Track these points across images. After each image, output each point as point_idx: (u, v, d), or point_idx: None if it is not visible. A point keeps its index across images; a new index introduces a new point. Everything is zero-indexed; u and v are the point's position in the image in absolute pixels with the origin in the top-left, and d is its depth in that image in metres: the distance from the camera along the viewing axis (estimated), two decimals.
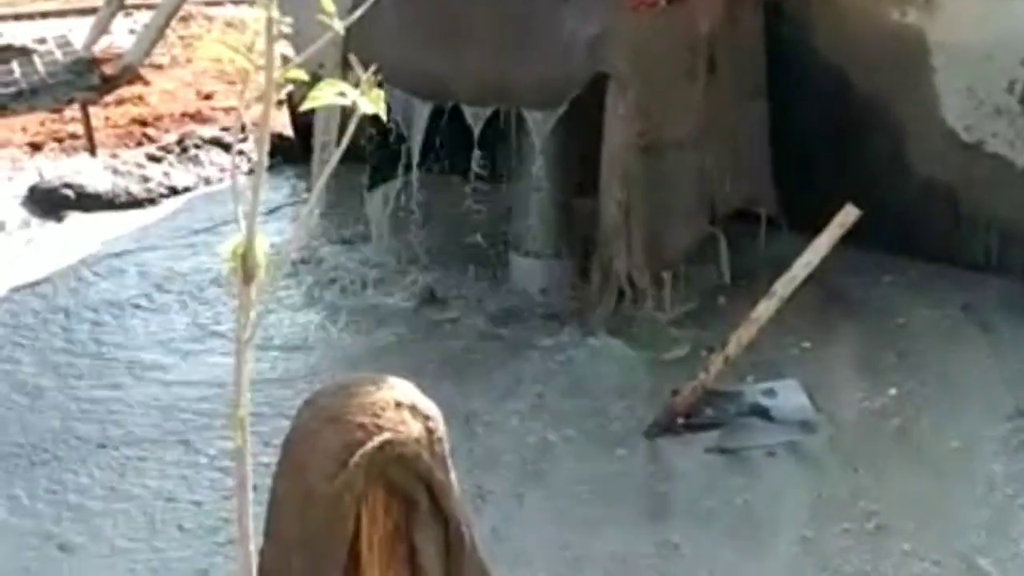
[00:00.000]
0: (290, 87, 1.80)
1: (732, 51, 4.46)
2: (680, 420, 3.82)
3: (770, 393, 3.93)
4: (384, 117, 1.74)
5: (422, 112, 4.44)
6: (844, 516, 3.47)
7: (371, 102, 1.73)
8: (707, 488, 3.59)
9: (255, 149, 5.32)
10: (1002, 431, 3.80)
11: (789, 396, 3.93)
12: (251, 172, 5.35)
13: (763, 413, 3.87)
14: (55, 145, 6.41)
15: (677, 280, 4.41)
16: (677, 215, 4.41)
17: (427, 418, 2.83)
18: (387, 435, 2.74)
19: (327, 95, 1.75)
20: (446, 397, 2.86)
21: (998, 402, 3.93)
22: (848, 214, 3.72)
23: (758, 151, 4.65)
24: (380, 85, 1.71)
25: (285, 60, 1.71)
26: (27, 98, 5.87)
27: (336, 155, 1.92)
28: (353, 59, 1.78)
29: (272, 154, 1.83)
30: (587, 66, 4.20)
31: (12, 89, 5.89)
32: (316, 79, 1.71)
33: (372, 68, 1.73)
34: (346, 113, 1.74)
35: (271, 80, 1.67)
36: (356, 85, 1.72)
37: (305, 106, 1.72)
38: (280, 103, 5.06)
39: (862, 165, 4.59)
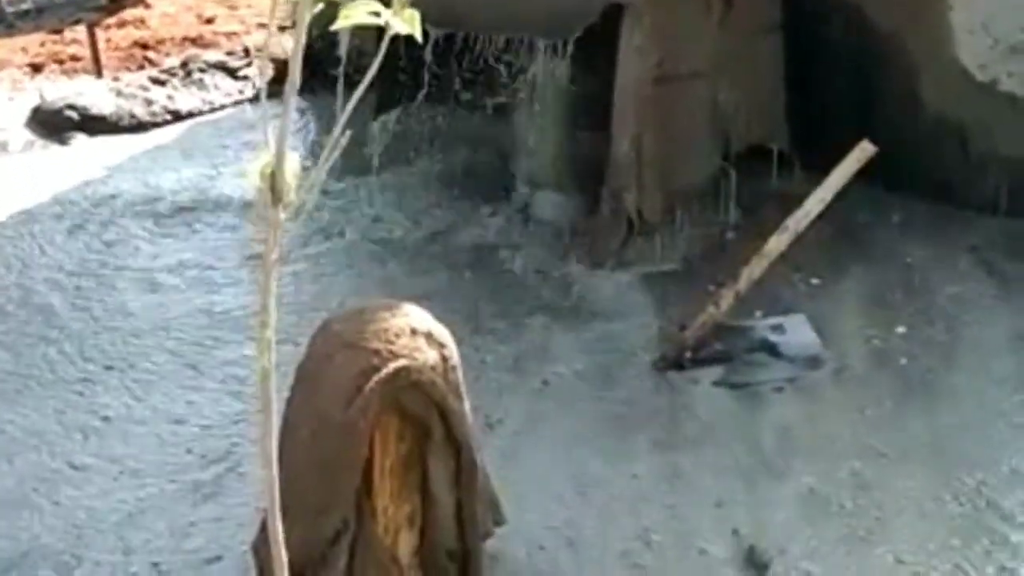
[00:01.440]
0: (319, 7, 1.77)
1: None
2: (689, 354, 3.82)
3: (779, 329, 3.93)
4: (420, 38, 1.72)
5: (432, 39, 4.39)
6: (850, 452, 3.48)
7: (406, 22, 1.70)
8: (715, 421, 3.60)
9: (259, 74, 5.29)
10: (1007, 369, 3.81)
11: (797, 332, 3.93)
12: (255, 98, 5.33)
13: (771, 349, 3.87)
14: (55, 66, 6.35)
15: (688, 214, 4.39)
16: (690, 149, 4.38)
17: (442, 345, 2.83)
18: (402, 361, 2.74)
19: (359, 14, 1.72)
20: (450, 326, 2.85)
21: (1004, 342, 3.93)
22: (864, 150, 3.70)
23: (772, 86, 4.62)
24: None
25: None
26: (33, 17, 5.81)
27: (368, 79, 1.89)
28: None
29: (276, 80, 1.80)
30: None
31: (20, 7, 5.83)
32: (335, 4, 1.69)
33: None
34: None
35: None
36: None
37: (336, 26, 1.69)
38: (283, 28, 5.00)
39: (875, 102, 4.56)
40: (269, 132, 1.69)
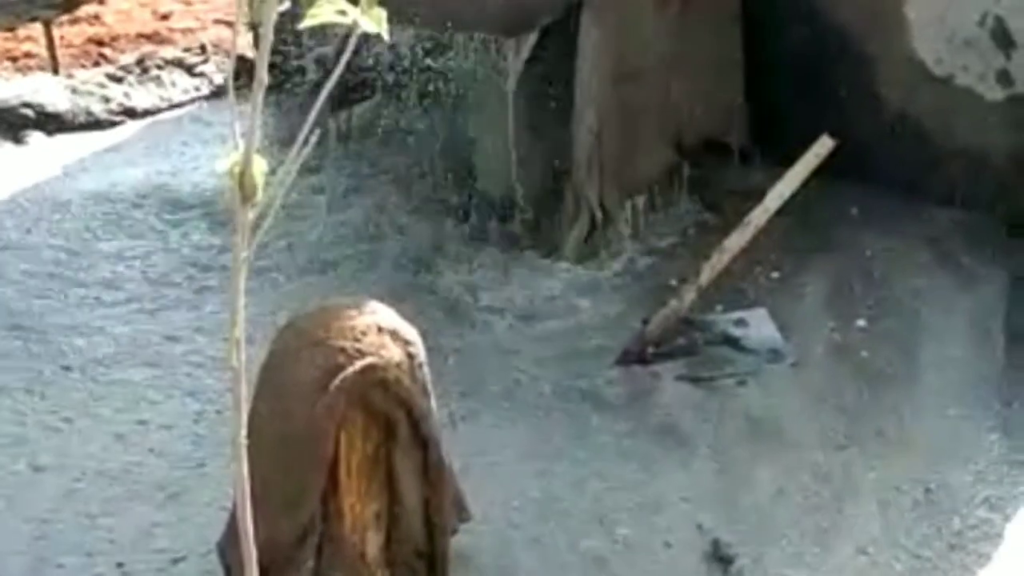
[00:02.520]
0: (285, 4, 1.76)
1: None
2: (651, 349, 3.83)
3: (740, 323, 3.95)
4: (387, 37, 1.72)
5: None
6: (812, 445, 3.52)
7: (372, 21, 1.70)
8: (678, 415, 3.62)
9: (217, 70, 5.23)
10: (967, 362, 3.85)
11: (759, 326, 3.95)
12: (213, 95, 5.30)
13: (733, 342, 3.89)
14: (9, 64, 6.28)
15: (649, 210, 4.41)
16: (647, 142, 4.39)
17: (408, 343, 2.83)
18: (368, 360, 2.74)
19: (326, 13, 1.71)
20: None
21: (963, 333, 3.97)
22: (823, 144, 3.73)
23: (729, 80, 4.64)
24: None
25: None
26: None
27: (333, 78, 1.89)
28: None
29: (236, 76, 1.80)
30: None
31: None
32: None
33: None
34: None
35: None
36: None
37: (303, 24, 1.69)
38: (246, 25, 4.96)
39: (833, 96, 4.59)
40: (236, 131, 1.69)
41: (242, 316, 1.77)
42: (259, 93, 1.69)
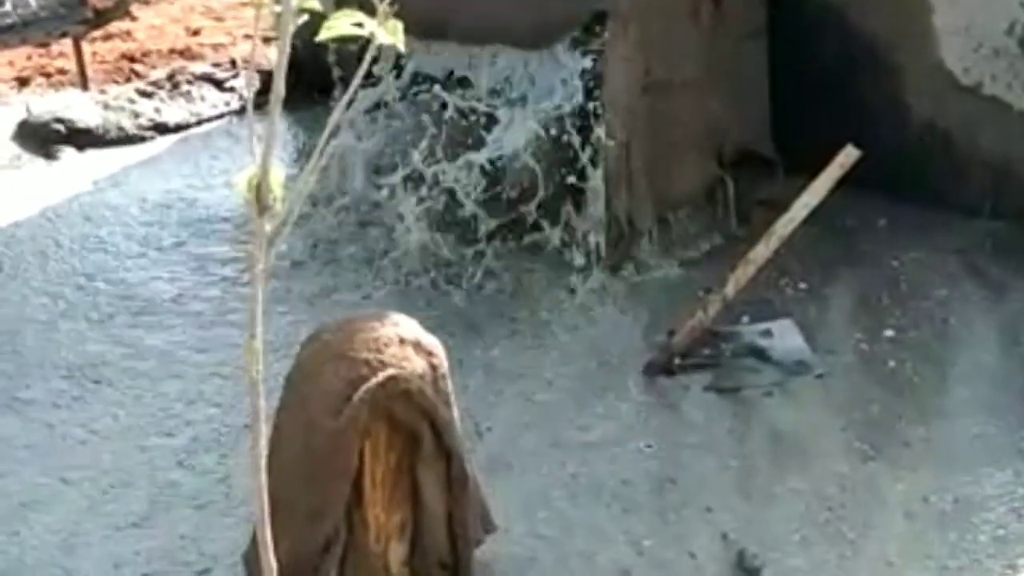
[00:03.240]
0: (303, 18, 1.78)
1: None
2: (677, 360, 3.83)
3: (767, 334, 3.94)
4: (402, 48, 1.73)
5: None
6: (838, 456, 3.50)
7: (389, 33, 1.71)
8: (704, 426, 3.61)
9: (246, 86, 5.27)
10: (994, 373, 3.83)
11: (785, 337, 3.94)
12: (243, 110, 5.32)
13: (759, 353, 3.88)
14: (42, 80, 6.35)
15: (682, 222, 4.41)
16: (682, 157, 4.39)
17: (430, 354, 2.84)
18: (391, 371, 2.75)
19: (342, 25, 1.73)
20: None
21: (991, 343, 3.95)
22: (848, 155, 3.72)
23: (757, 92, 4.63)
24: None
25: None
26: (19, 30, 5.82)
27: (352, 88, 1.90)
28: None
29: (262, 92, 1.81)
30: (586, 4, 4.17)
31: (6, 22, 5.83)
32: (321, 15, 1.69)
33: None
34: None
35: (289, 8, 1.66)
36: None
37: (320, 37, 1.70)
38: (267, 40, 4.99)
39: (860, 106, 4.57)
40: (254, 143, 1.70)
41: (260, 327, 1.79)
42: (276, 106, 1.71)
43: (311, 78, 4.88)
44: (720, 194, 4.55)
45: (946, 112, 4.51)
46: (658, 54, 4.23)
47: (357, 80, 1.94)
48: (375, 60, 1.84)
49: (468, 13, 4.35)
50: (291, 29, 1.73)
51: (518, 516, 3.20)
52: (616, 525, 3.24)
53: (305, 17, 1.76)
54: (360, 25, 1.71)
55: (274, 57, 1.70)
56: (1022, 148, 4.41)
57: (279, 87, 1.71)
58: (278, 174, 1.70)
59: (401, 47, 1.71)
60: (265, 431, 1.84)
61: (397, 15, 1.68)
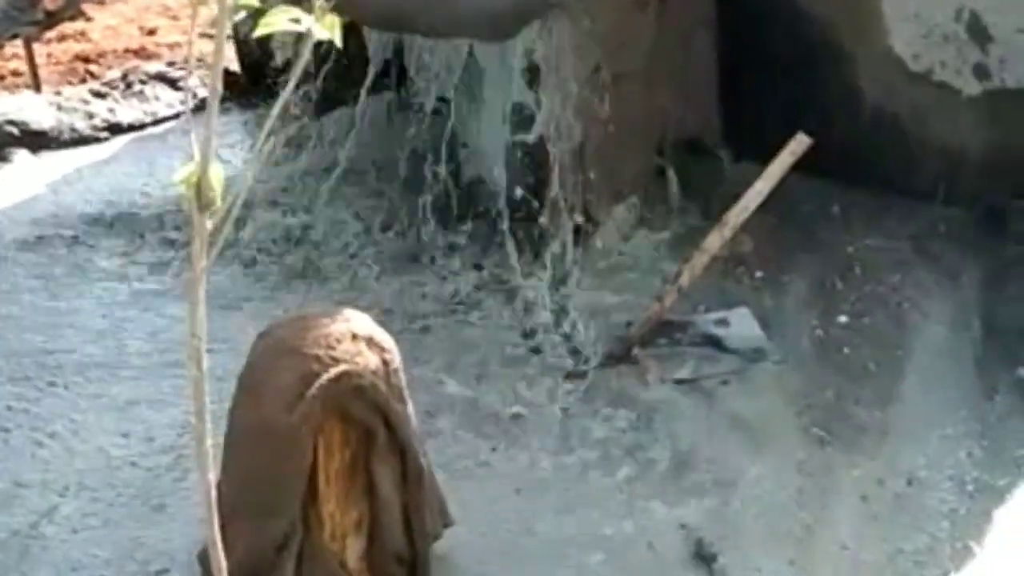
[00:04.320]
0: (241, 15, 1.77)
1: None
2: (635, 350, 3.84)
3: (723, 322, 3.96)
4: (339, 43, 1.73)
5: (380, 43, 4.41)
6: (794, 442, 3.53)
7: (326, 28, 1.71)
8: (662, 414, 3.62)
9: (200, 84, 5.25)
10: (947, 357, 3.86)
11: (741, 325, 3.96)
12: (197, 108, 5.30)
13: (716, 342, 3.90)
14: None
15: (638, 213, 4.42)
16: (630, 147, 4.40)
17: (383, 350, 2.85)
18: (344, 367, 2.75)
19: (280, 22, 1.72)
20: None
21: (945, 329, 3.99)
22: (799, 142, 3.74)
23: (707, 82, 4.65)
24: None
25: None
26: None
27: (291, 83, 1.90)
28: None
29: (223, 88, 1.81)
30: None
31: None
32: (262, 12, 1.69)
33: None
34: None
35: (224, 6, 1.65)
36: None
37: (257, 32, 1.70)
38: (209, 36, 4.97)
39: (811, 93, 4.59)
40: (194, 140, 1.70)
41: (204, 325, 1.79)
42: (214, 103, 1.70)
43: (263, 74, 4.88)
44: (662, 183, 4.56)
45: (897, 99, 4.54)
46: (608, 46, 4.24)
47: (295, 78, 1.94)
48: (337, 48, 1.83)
49: (427, 6, 4.35)
50: (227, 26, 1.72)
51: (475, 509, 3.20)
52: (573, 516, 3.25)
53: (243, 14, 1.75)
54: (297, 21, 1.71)
55: (230, 55, 1.70)
56: (973, 134, 4.44)
57: (216, 85, 1.70)
58: (217, 171, 1.70)
59: (338, 42, 1.71)
60: (210, 429, 1.84)
61: (353, 8, 1.68)
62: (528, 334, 4.01)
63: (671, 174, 4.56)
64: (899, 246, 4.35)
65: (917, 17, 4.43)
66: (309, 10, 1.71)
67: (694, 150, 4.64)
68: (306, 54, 1.82)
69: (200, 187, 1.70)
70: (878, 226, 4.44)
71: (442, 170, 4.49)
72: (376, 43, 4.49)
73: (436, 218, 4.48)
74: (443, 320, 4.09)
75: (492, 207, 4.46)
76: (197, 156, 1.70)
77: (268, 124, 1.87)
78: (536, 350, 3.93)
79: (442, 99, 4.54)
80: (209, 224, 1.71)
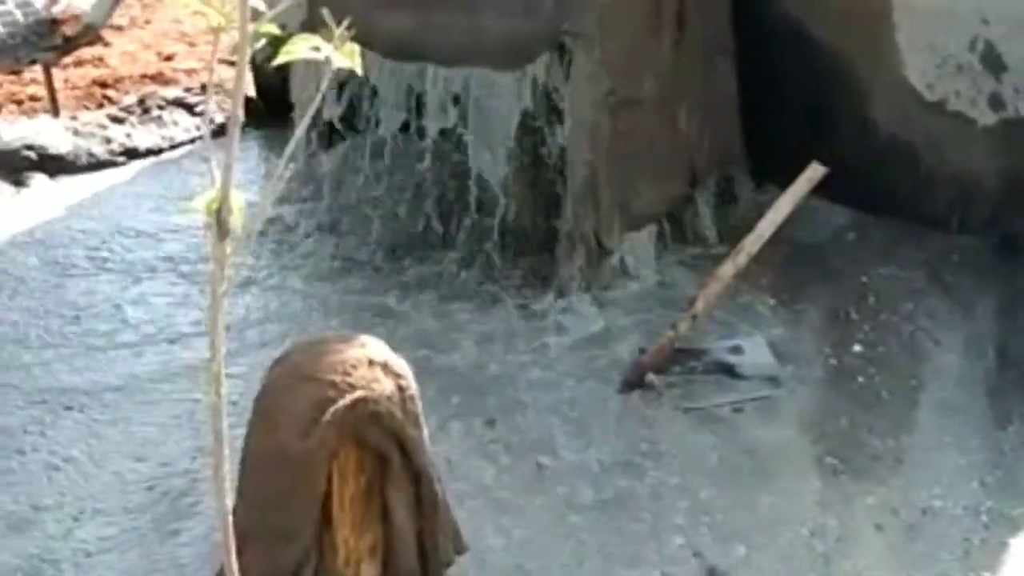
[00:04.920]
0: (261, 42, 1.78)
1: (699, 9, 4.45)
2: (648, 377, 3.85)
3: (736, 350, 3.96)
4: (360, 72, 1.74)
5: (394, 72, 4.44)
6: (809, 471, 3.52)
7: (345, 57, 1.73)
8: (675, 443, 3.62)
9: (218, 110, 5.27)
10: (962, 386, 3.86)
11: (755, 353, 3.96)
12: (215, 134, 5.32)
13: (729, 370, 3.90)
14: (14, 107, 6.34)
15: (658, 241, 4.44)
16: (649, 174, 4.41)
17: (399, 376, 2.85)
18: (359, 393, 2.76)
19: (300, 50, 1.74)
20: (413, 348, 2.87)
21: (958, 357, 3.98)
22: (814, 171, 3.75)
23: (727, 109, 4.66)
24: None
25: (255, 15, 1.70)
26: None
27: (310, 111, 1.92)
28: (326, 14, 1.77)
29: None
30: (553, 25, 4.19)
31: None
32: (282, 40, 1.70)
33: (344, 24, 1.72)
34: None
35: (245, 33, 1.66)
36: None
37: (278, 61, 1.71)
38: (231, 63, 4.98)
39: (826, 123, 4.61)
40: (214, 166, 1.71)
41: (223, 351, 1.79)
42: (235, 130, 1.71)
43: (281, 101, 4.90)
44: (689, 211, 4.57)
45: (912, 128, 4.54)
46: (623, 72, 4.25)
47: (313, 105, 1.95)
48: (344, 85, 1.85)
49: (441, 34, 4.38)
50: (248, 53, 1.73)
51: (488, 536, 3.20)
52: (588, 542, 3.25)
53: (263, 42, 1.77)
54: (317, 49, 1.72)
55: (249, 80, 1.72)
56: (987, 163, 4.44)
57: (237, 112, 1.72)
58: (237, 197, 1.71)
59: (359, 71, 1.73)
60: (228, 455, 1.84)
61: (375, 33, 1.70)
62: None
63: (696, 200, 4.57)
64: (913, 275, 4.35)
65: (931, 47, 4.44)
66: (329, 39, 1.72)
67: (716, 177, 4.65)
68: (326, 83, 1.84)
69: (220, 213, 1.71)
70: (892, 255, 4.44)
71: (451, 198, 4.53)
72: (388, 73, 4.51)
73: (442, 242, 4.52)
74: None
75: (499, 234, 4.49)
76: (217, 182, 1.71)
77: (289, 150, 1.88)
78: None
79: (444, 130, 4.58)
80: (228, 249, 1.72)
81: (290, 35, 1.73)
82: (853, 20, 4.56)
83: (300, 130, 1.92)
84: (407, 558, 2.89)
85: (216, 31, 1.80)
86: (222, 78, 5.89)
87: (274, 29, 1.70)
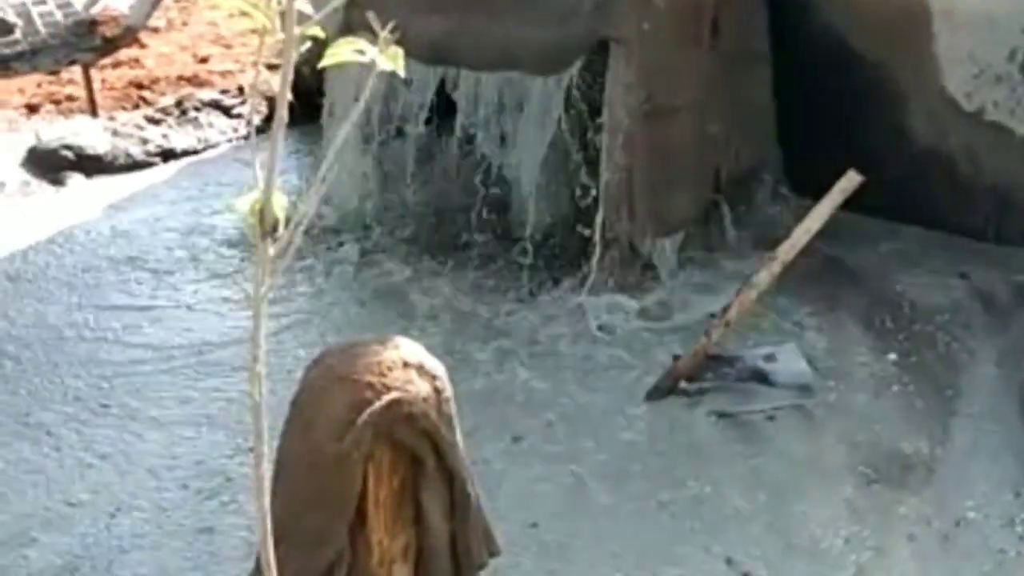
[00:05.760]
0: (306, 45, 1.80)
1: (735, 16, 4.46)
2: (682, 384, 3.84)
3: (770, 358, 3.95)
4: (403, 74, 1.75)
5: (427, 78, 4.45)
6: (842, 480, 3.51)
7: (389, 59, 1.74)
8: (708, 450, 3.62)
9: (253, 112, 5.28)
10: (997, 396, 3.84)
11: (788, 361, 3.95)
12: (249, 136, 5.37)
13: (763, 378, 3.89)
14: (52, 107, 6.39)
15: (688, 247, 4.44)
16: (682, 181, 4.41)
17: (434, 377, 2.85)
18: (394, 394, 2.76)
19: (344, 52, 1.75)
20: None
21: (995, 367, 3.97)
22: (850, 180, 3.74)
23: (761, 115, 4.66)
24: None
25: (300, 17, 1.71)
26: (28, 59, 5.86)
27: (354, 113, 1.93)
28: (371, 16, 1.78)
29: (269, 117, 1.84)
30: (591, 31, 4.20)
31: (16, 49, 5.87)
32: (325, 43, 1.71)
33: (388, 27, 1.73)
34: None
35: (291, 36, 1.68)
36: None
37: (323, 63, 1.72)
38: (271, 67, 5.01)
39: (863, 132, 4.60)
40: (257, 168, 1.72)
41: (264, 350, 1.81)
42: (279, 132, 1.73)
43: (314, 103, 4.92)
44: (716, 217, 4.57)
45: (949, 138, 4.53)
46: (659, 79, 4.26)
47: (358, 108, 1.96)
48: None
49: (476, 39, 4.39)
50: (294, 56, 1.74)
51: (521, 540, 3.20)
52: (620, 549, 3.25)
53: (308, 44, 1.78)
54: (361, 52, 1.73)
55: (277, 84, 1.73)
56: None
57: (282, 114, 1.73)
58: (280, 199, 1.72)
59: (401, 73, 1.74)
60: (268, 454, 1.85)
61: (411, 38, 1.71)
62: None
63: (725, 210, 4.57)
64: (949, 285, 4.34)
65: (971, 57, 4.43)
66: (372, 42, 1.73)
67: (749, 184, 4.65)
68: (370, 85, 1.85)
69: (263, 214, 1.72)
70: (928, 264, 4.43)
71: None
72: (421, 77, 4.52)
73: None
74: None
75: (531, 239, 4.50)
76: (260, 183, 1.72)
77: (331, 152, 1.89)
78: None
79: (472, 134, 4.59)
80: (271, 250, 1.74)
81: (329, 38, 1.75)
82: (893, 30, 4.55)
83: (343, 132, 1.93)
84: (440, 560, 2.89)
85: (261, 33, 1.81)
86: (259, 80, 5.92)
87: (319, 32, 1.71)
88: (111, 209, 5.15)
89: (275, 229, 1.73)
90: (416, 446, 2.81)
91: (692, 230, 4.50)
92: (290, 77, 1.74)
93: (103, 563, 3.21)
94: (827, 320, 4.20)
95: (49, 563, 3.21)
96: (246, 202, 1.71)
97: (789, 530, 3.32)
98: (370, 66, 1.73)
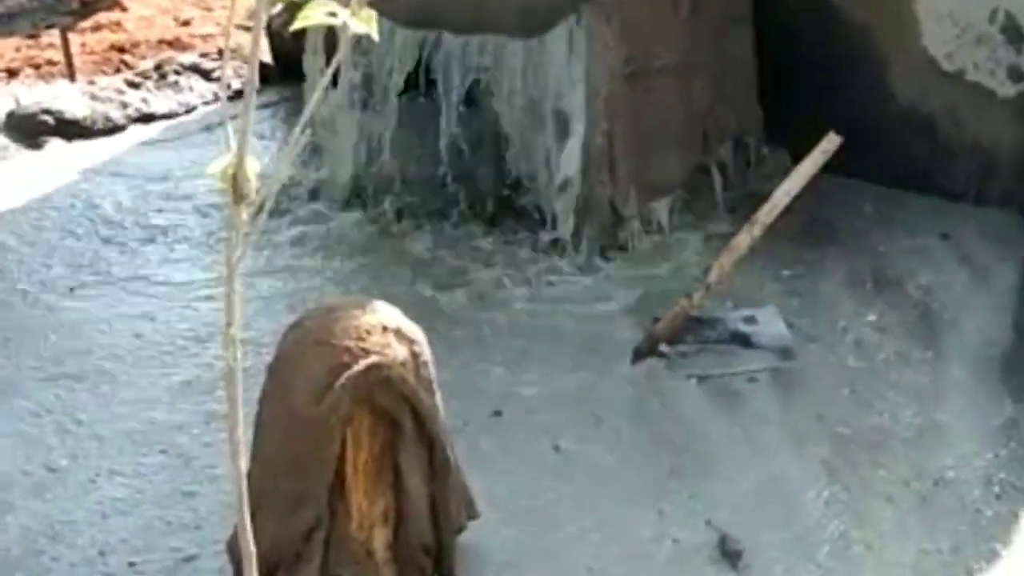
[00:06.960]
0: (277, 8, 1.78)
1: None
2: (662, 346, 3.85)
3: (750, 320, 3.96)
4: (376, 38, 1.74)
5: (408, 40, 4.42)
6: (821, 441, 3.52)
7: (362, 22, 1.72)
8: (688, 412, 3.63)
9: (234, 75, 5.27)
10: (977, 357, 3.85)
11: (769, 323, 3.96)
12: (231, 99, 5.35)
13: (743, 340, 3.90)
14: (31, 71, 6.35)
15: (675, 210, 4.43)
16: (665, 143, 4.40)
17: (412, 342, 2.86)
18: (373, 358, 2.76)
19: (316, 15, 1.73)
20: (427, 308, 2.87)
21: (974, 330, 3.98)
22: (830, 141, 3.73)
23: (744, 79, 4.65)
24: None
25: None
26: (5, 23, 5.82)
27: (326, 77, 1.92)
28: None
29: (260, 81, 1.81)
30: None
31: None
32: (298, 5, 1.70)
33: None
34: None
35: None
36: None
37: (294, 26, 1.71)
38: (247, 28, 4.99)
39: (844, 92, 4.59)
40: (230, 131, 1.71)
41: (239, 314, 1.80)
42: (251, 95, 1.71)
43: (296, 66, 4.89)
44: (703, 180, 4.56)
45: (930, 98, 4.53)
46: (639, 41, 4.24)
47: (329, 71, 1.95)
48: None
49: (458, 2, 4.36)
50: (264, 19, 1.73)
51: (500, 502, 3.21)
52: (599, 511, 3.25)
53: (279, 7, 1.77)
54: (334, 15, 1.72)
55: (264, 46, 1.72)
56: (1005, 134, 4.43)
57: (252, 77, 1.71)
58: (253, 163, 1.71)
59: (375, 36, 1.72)
60: (243, 419, 1.85)
61: (384, 5, 1.69)
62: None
63: (714, 172, 4.57)
64: (930, 246, 4.35)
65: (951, 18, 4.42)
66: (345, 4, 1.72)
67: (735, 146, 4.64)
68: (344, 49, 1.83)
69: (236, 179, 1.71)
70: (909, 226, 4.43)
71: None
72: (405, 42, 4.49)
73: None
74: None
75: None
76: (233, 148, 1.71)
77: (304, 117, 1.88)
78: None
79: (470, 99, 4.56)
80: (244, 216, 1.73)
81: (306, 1, 1.73)
82: None
83: (316, 96, 1.91)
84: (419, 523, 2.90)
85: None
86: (239, 43, 5.90)
87: None
88: (90, 173, 5.12)
89: (248, 194, 1.73)
90: (394, 410, 2.81)
91: (680, 192, 4.50)
92: (260, 40, 1.73)
93: (84, 527, 3.20)
94: (808, 282, 4.21)
95: (29, 529, 3.20)
96: (218, 167, 1.70)
97: (769, 492, 3.33)
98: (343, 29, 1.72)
